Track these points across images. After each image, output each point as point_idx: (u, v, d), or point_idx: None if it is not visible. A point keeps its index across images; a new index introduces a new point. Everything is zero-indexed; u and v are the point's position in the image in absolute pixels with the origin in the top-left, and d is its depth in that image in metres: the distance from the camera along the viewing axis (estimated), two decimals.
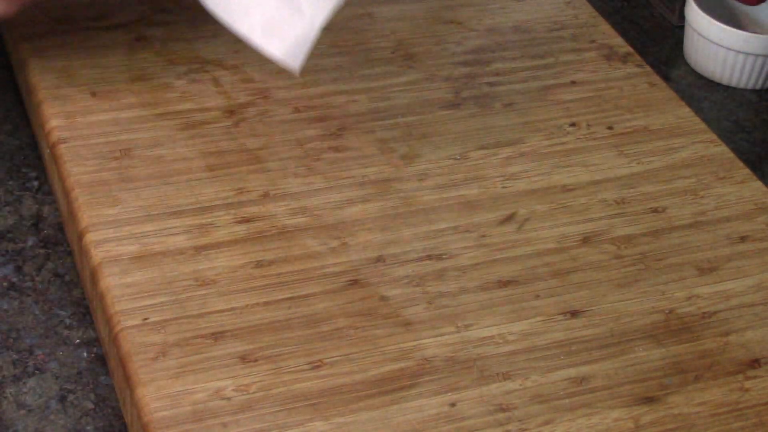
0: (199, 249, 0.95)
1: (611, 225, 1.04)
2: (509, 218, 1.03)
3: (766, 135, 1.31)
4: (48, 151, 1.05)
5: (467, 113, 1.15)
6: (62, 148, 1.03)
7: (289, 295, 0.93)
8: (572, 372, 0.90)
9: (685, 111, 1.19)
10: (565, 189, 1.07)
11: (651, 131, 1.16)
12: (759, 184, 1.10)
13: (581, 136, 1.14)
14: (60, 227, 1.08)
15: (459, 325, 0.93)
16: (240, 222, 0.98)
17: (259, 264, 0.95)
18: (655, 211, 1.06)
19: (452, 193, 1.05)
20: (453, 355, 0.90)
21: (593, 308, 0.95)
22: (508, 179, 1.07)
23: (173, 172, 1.02)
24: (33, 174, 1.12)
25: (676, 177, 1.10)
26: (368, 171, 1.06)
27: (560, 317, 0.95)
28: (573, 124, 1.15)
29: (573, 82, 1.21)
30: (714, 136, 1.16)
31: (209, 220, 0.98)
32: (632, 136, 1.15)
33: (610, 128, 1.15)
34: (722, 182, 1.10)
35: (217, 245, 0.96)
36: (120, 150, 1.04)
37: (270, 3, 0.97)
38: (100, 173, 1.01)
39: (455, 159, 1.09)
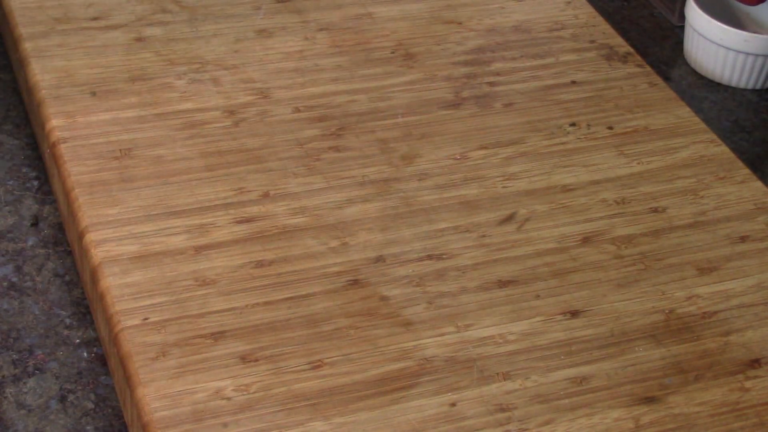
0: (199, 249, 0.95)
1: (611, 225, 1.04)
2: (509, 218, 1.03)
3: (766, 135, 1.31)
4: (48, 151, 1.05)
5: (467, 113, 1.14)
6: (62, 148, 1.03)
7: (289, 295, 0.92)
8: (572, 372, 0.90)
9: (685, 111, 1.19)
10: (565, 189, 1.07)
11: (651, 131, 1.16)
12: (759, 184, 1.10)
13: (581, 136, 1.14)
14: (60, 227, 1.08)
15: (459, 325, 0.93)
16: (240, 222, 0.98)
17: (259, 264, 0.95)
18: (655, 211, 1.06)
19: (452, 193, 1.05)
20: (453, 355, 0.90)
21: (593, 308, 0.95)
22: (508, 179, 1.07)
23: (173, 172, 1.02)
24: (33, 174, 1.12)
25: (676, 177, 1.10)
26: (368, 171, 1.06)
27: (560, 317, 0.94)
28: (573, 124, 1.15)
29: (573, 82, 1.21)
30: (714, 136, 1.16)
31: (209, 220, 0.98)
32: (632, 136, 1.15)
33: (610, 128, 1.15)
34: (722, 182, 1.10)
35: (217, 245, 0.96)
36: (120, 150, 1.04)
37: None
38: (100, 173, 1.01)
39: (455, 159, 1.09)
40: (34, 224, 1.05)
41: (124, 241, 0.95)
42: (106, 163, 1.02)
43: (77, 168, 1.01)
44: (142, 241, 0.95)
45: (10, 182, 1.10)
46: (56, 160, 1.03)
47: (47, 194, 1.10)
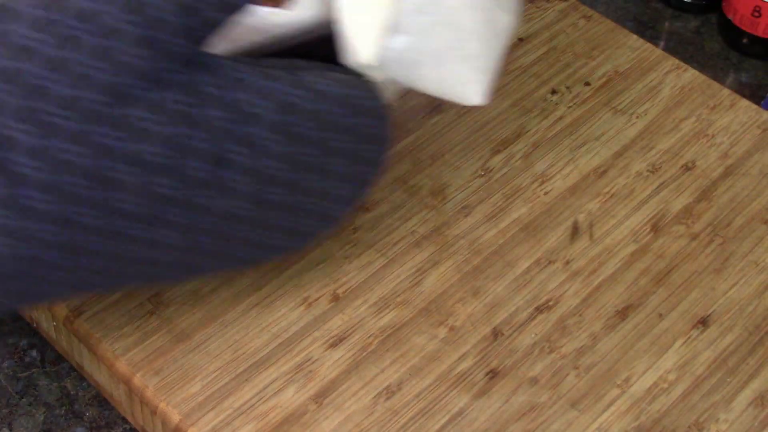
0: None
1: (663, 201, 0.92)
2: (575, 231, 0.89)
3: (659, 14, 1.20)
4: (56, 324, 0.80)
5: (453, 113, 0.97)
6: (81, 322, 0.78)
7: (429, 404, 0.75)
8: (749, 394, 0.79)
9: (634, 39, 1.07)
10: (598, 173, 0.94)
11: (621, 74, 1.03)
12: (746, 103, 1.01)
13: (570, 104, 0.99)
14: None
15: (618, 382, 0.79)
16: (335, 345, 0.79)
17: (388, 393, 0.76)
18: (687, 168, 0.95)
19: (506, 221, 0.89)
20: (636, 424, 0.77)
21: (714, 308, 0.84)
22: (542, 182, 0.92)
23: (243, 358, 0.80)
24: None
25: (677, 121, 0.99)
26: (412, 225, 0.87)
27: (695, 332, 0.83)
28: (554, 92, 1.00)
29: (520, 39, 1.05)
30: (676, 61, 1.05)
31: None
32: (611, 87, 1.02)
33: (587, 84, 1.01)
34: (716, 112, 1.00)
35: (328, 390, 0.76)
36: (149, 299, 0.80)
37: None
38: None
39: (480, 175, 0.92)
40: None
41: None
42: (144, 322, 0.78)
43: (116, 345, 0.77)
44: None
45: None
46: (81, 337, 0.78)
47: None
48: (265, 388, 0.76)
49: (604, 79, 1.02)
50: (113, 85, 0.61)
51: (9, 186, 0.59)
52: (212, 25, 0.65)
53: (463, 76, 0.77)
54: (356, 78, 0.73)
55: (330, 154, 0.71)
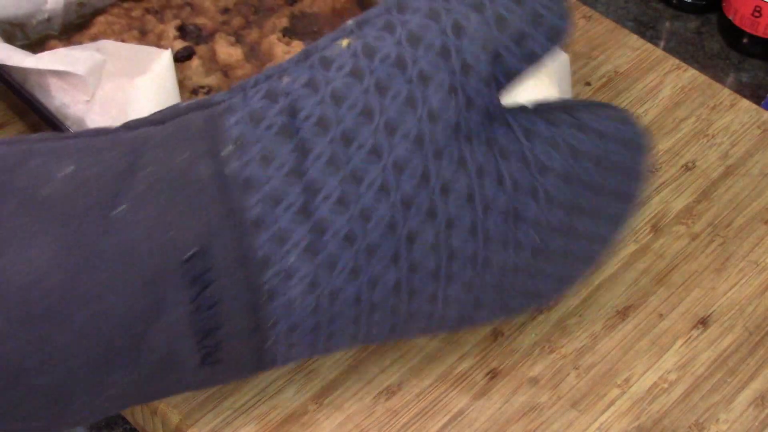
0: None
1: (664, 201, 0.91)
2: None
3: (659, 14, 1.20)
4: None
5: None
6: None
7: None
8: (750, 394, 0.78)
9: (634, 39, 1.05)
10: None
11: (622, 74, 1.02)
12: (747, 103, 1.00)
13: None
14: None
15: (619, 383, 0.78)
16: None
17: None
18: (687, 168, 0.94)
19: None
20: (637, 424, 0.76)
21: (715, 308, 0.83)
22: None
23: None
24: None
25: (677, 121, 0.98)
26: None
27: (696, 332, 0.82)
28: None
29: None
30: (677, 61, 1.03)
31: None
32: (611, 87, 1.00)
33: (588, 84, 1.00)
34: (717, 112, 0.99)
35: None
36: None
37: None
38: None
39: None
40: None
41: None
42: None
43: None
44: None
45: None
46: None
47: None
48: (265, 388, 0.75)
49: (604, 79, 1.01)
50: (420, 134, 0.60)
51: (312, 231, 0.59)
52: (511, 76, 0.62)
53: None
54: (624, 112, 0.70)
55: (603, 194, 0.68)
